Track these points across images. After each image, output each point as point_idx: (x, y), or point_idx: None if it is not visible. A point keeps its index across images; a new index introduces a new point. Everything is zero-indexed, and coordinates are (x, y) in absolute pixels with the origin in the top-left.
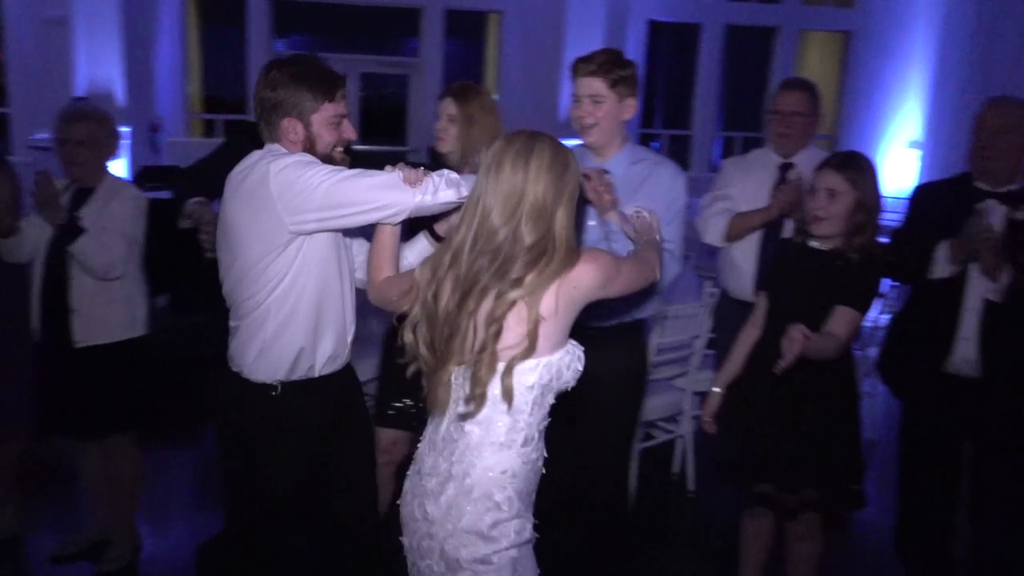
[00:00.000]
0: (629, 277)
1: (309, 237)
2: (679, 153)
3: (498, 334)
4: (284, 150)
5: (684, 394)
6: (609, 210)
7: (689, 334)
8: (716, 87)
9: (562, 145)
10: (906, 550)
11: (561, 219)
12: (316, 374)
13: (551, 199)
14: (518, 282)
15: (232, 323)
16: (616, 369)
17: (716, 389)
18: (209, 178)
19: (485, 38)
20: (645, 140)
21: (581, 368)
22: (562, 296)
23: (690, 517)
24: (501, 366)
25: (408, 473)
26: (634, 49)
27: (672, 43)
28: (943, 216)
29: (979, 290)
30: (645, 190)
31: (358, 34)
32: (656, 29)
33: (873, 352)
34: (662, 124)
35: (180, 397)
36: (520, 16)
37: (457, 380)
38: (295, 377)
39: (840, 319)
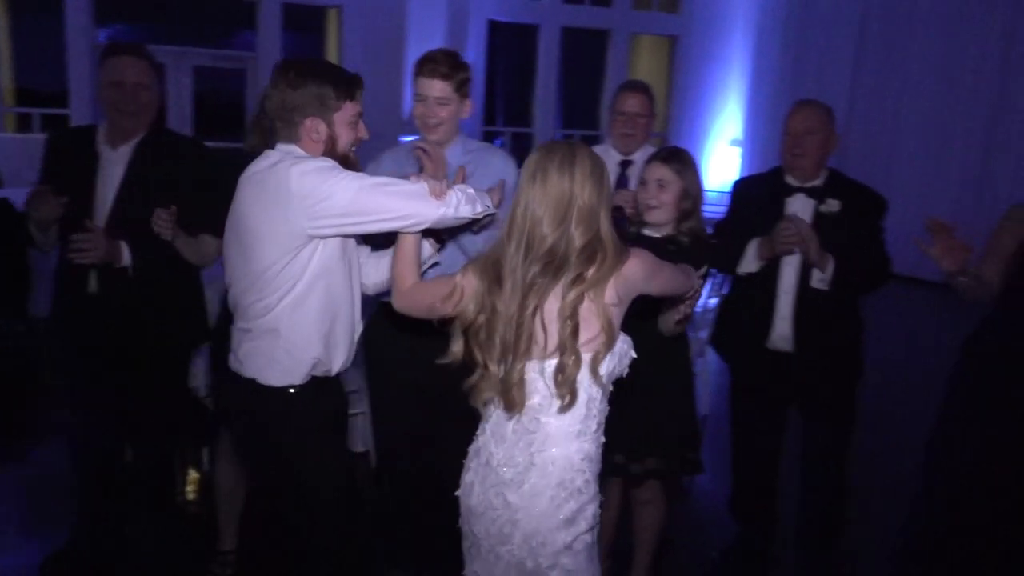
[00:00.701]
0: (670, 276)
1: (323, 241)
2: (521, 150)
3: (576, 329)
4: (301, 151)
5: None
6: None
7: None
8: (555, 86)
9: (595, 152)
10: (738, 510)
11: (605, 220)
12: (333, 374)
13: (595, 203)
14: (579, 278)
15: (241, 327)
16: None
17: None
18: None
19: (325, 32)
20: (488, 137)
21: (634, 355)
22: (619, 289)
23: None
24: (587, 358)
25: (469, 465)
26: (475, 47)
27: (512, 43)
28: (758, 207)
29: (792, 275)
30: (479, 175)
31: (189, 25)
32: (496, 28)
33: (704, 334)
34: (504, 122)
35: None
36: (360, 11)
37: (531, 376)
38: (312, 376)
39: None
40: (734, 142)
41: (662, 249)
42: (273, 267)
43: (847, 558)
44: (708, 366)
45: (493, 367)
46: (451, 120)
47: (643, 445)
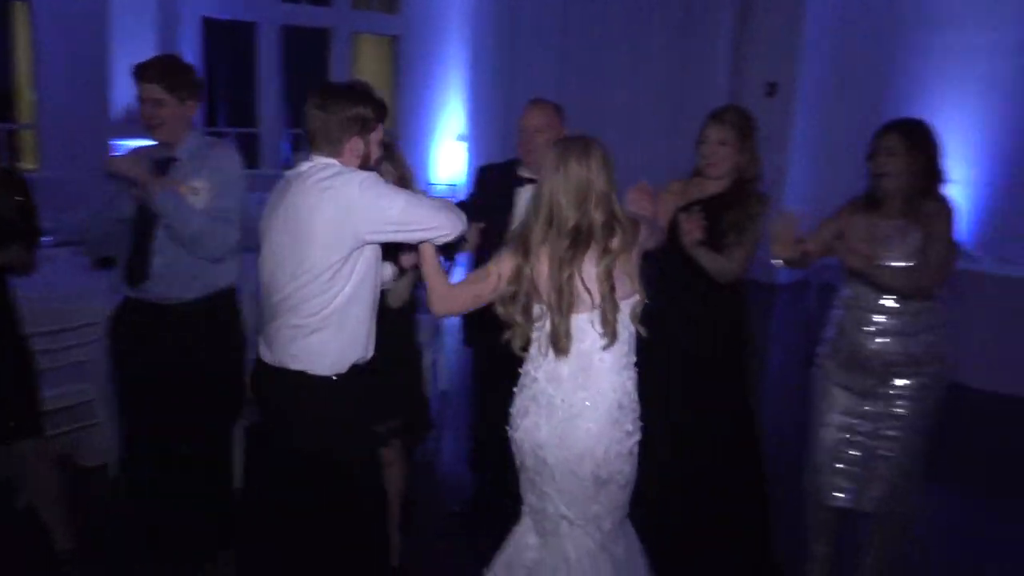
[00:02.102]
0: (656, 231)
1: (367, 245)
2: (248, 150)
3: (612, 288)
4: (339, 164)
5: None
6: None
7: None
8: (278, 85)
9: (605, 146)
10: (476, 464)
11: (616, 202)
12: (364, 362)
13: (609, 188)
14: (607, 250)
15: (293, 323)
16: (214, 343)
17: None
18: None
19: (12, 28)
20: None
21: (646, 301)
22: (637, 251)
23: None
24: (626, 307)
25: (527, 410)
26: (189, 46)
27: (230, 40)
28: (494, 194)
29: None
30: (209, 167)
31: None
32: (211, 26)
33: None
34: (226, 122)
35: None
36: (52, 7)
37: (583, 326)
38: (353, 364)
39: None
40: (460, 137)
41: None
42: (333, 267)
43: None
44: (444, 347)
45: (521, 319)
46: (173, 121)
47: (387, 407)
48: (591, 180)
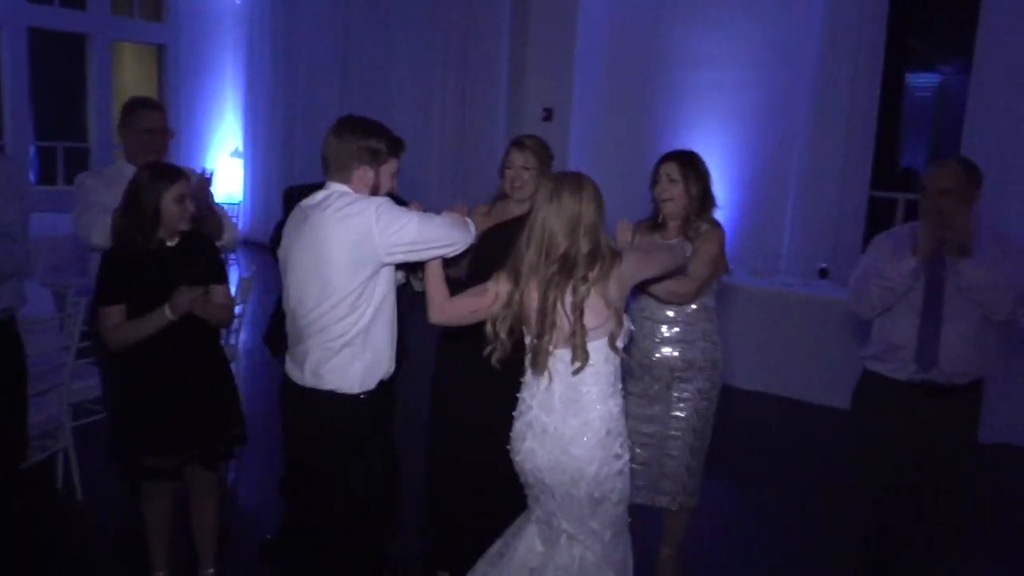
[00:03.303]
0: (659, 261)
1: (386, 266)
2: None
3: (582, 315)
4: (350, 190)
5: (61, 407)
6: None
7: (56, 345)
8: (26, 94)
9: (594, 181)
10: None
11: (603, 233)
12: (387, 378)
13: (597, 220)
14: (585, 278)
15: (323, 345)
16: None
17: None
18: None
19: None
20: None
21: (632, 328)
22: (618, 282)
23: (86, 524)
24: (601, 343)
25: (524, 435)
26: None
27: None
28: None
29: None
30: None
31: None
32: None
33: (236, 338)
34: None
35: None
36: None
37: (559, 356)
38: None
39: (220, 294)
40: (235, 154)
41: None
42: (356, 290)
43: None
44: (241, 369)
45: (505, 337)
46: None
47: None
48: (582, 212)
